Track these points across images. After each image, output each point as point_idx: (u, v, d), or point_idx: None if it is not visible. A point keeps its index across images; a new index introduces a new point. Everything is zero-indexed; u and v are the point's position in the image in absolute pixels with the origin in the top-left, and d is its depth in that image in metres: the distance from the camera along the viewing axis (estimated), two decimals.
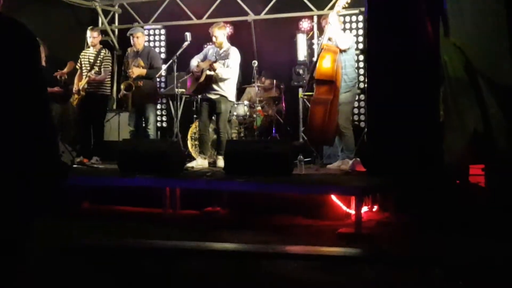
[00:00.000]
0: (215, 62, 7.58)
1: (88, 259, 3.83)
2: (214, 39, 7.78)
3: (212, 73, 7.56)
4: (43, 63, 8.96)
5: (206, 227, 5.90)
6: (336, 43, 7.21)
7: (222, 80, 7.62)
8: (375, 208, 6.25)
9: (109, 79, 8.78)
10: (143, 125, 8.44)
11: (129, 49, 8.58)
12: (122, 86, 8.31)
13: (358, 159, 6.75)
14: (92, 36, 8.53)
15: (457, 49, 6.26)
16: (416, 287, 3.89)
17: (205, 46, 8.47)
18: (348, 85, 7.32)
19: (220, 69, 7.55)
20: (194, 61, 7.84)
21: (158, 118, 10.42)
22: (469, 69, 6.27)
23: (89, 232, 5.31)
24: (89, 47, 8.68)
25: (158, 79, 9.15)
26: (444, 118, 6.09)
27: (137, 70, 8.23)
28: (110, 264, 3.45)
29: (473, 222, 5.49)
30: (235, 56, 7.71)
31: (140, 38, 8.49)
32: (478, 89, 6.24)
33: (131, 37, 8.47)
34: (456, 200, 5.86)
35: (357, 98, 8.48)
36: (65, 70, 8.85)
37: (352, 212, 5.74)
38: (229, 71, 7.62)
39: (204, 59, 7.82)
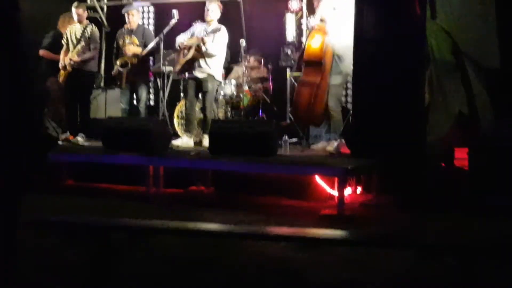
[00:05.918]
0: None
1: (58, 235, 3.86)
2: (210, 13, 7.67)
3: (201, 46, 7.48)
4: None
5: (189, 206, 5.89)
6: None
7: (210, 56, 7.56)
8: (359, 189, 6.25)
9: (96, 56, 8.70)
10: (135, 103, 8.40)
11: (125, 26, 8.48)
12: (117, 62, 8.24)
13: (343, 140, 6.73)
14: (77, 14, 8.39)
15: (444, 32, 6.23)
16: (398, 268, 3.90)
17: (193, 24, 8.38)
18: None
19: (210, 43, 7.49)
20: (181, 38, 7.78)
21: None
22: (456, 51, 6.27)
23: (68, 209, 5.30)
24: (75, 23, 8.57)
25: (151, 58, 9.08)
26: (429, 100, 6.10)
27: (132, 48, 8.17)
28: (84, 241, 3.46)
29: (456, 203, 5.53)
30: (224, 34, 7.67)
31: (135, 16, 8.42)
32: (464, 72, 6.24)
33: (125, 15, 8.39)
34: (440, 182, 5.89)
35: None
36: None
37: (336, 193, 5.74)
38: (217, 46, 7.56)
39: (191, 37, 7.75)
